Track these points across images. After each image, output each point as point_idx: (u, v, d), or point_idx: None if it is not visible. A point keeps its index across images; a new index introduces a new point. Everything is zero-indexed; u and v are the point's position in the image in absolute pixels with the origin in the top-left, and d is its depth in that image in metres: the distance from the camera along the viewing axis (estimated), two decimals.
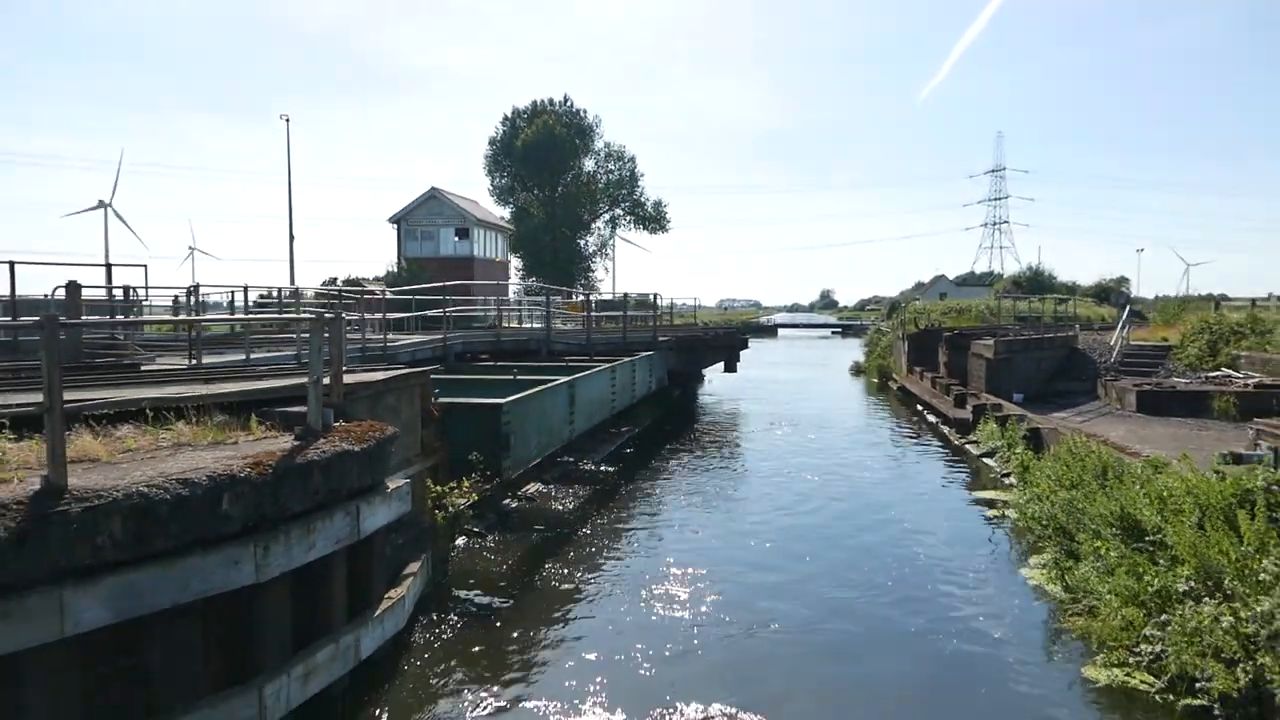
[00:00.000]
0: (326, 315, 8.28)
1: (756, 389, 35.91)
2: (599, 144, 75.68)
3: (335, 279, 47.44)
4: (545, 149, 69.94)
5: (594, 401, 18.77)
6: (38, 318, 5.69)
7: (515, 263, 66.51)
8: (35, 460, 6.37)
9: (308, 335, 15.34)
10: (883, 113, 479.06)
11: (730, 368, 31.94)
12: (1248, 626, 7.00)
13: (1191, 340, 26.47)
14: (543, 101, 74.52)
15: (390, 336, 17.34)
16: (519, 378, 16.55)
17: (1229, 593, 7.59)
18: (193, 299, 16.84)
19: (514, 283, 59.94)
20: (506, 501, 14.79)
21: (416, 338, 19.57)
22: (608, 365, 20.79)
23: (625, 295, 32.15)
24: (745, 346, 33.15)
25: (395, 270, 44.64)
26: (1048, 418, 20.01)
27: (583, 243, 76.81)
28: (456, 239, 46.53)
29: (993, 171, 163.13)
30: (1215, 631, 7.24)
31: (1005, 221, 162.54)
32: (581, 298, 32.25)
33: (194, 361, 11.07)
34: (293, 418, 8.35)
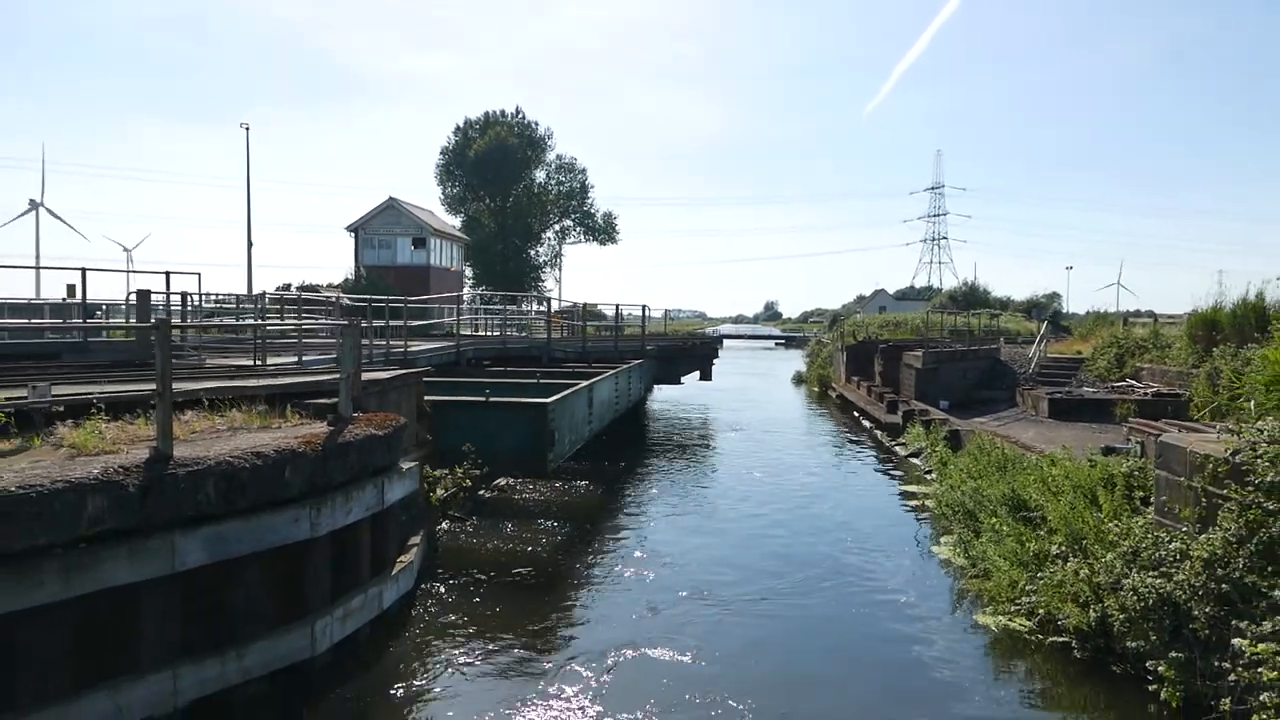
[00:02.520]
0: (356, 323, 9.79)
1: (702, 397, 37.67)
2: (550, 155, 77.21)
3: (289, 285, 48.35)
4: (497, 160, 71.19)
5: (604, 404, 20.24)
6: (154, 322, 7.15)
7: (466, 271, 67.59)
8: (127, 437, 7.80)
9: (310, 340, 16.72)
10: (828, 129, 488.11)
11: (705, 376, 33.48)
12: (1098, 576, 8.85)
13: (1102, 354, 28.86)
14: (495, 113, 75.81)
15: (409, 342, 18.49)
16: (541, 381, 17.89)
17: (1088, 552, 9.47)
18: (258, 304, 18.09)
19: (473, 291, 61.21)
20: (481, 492, 16.29)
21: (433, 344, 20.89)
22: (612, 372, 22.02)
23: (618, 306, 33.53)
24: (717, 356, 34.97)
25: (353, 278, 45.65)
26: (969, 422, 22.03)
27: (533, 252, 78.16)
28: (413, 248, 47.77)
29: (932, 189, 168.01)
30: (1075, 582, 9.10)
31: (944, 238, 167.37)
32: (563, 305, 33.37)
33: (258, 361, 12.43)
34: (319, 408, 9.85)
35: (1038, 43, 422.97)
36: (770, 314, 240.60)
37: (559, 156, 77.21)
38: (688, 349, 33.95)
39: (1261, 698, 6.68)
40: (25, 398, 7.89)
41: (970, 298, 70.90)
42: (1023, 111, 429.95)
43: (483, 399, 14.41)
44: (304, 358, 13.55)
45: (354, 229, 47.84)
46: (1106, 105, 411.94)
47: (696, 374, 33.25)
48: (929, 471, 19.06)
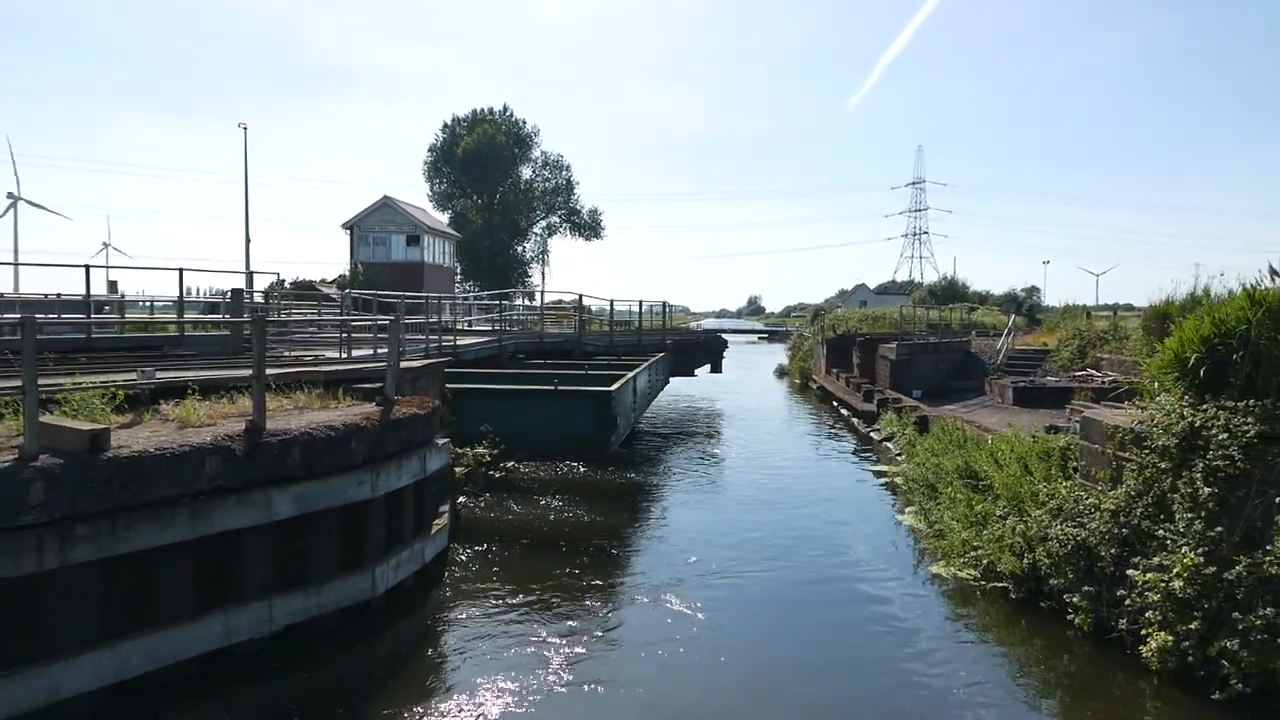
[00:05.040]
0: (398, 320, 11.34)
1: (688, 388, 39.17)
2: (536, 152, 78.58)
3: (282, 281, 49.67)
4: (485, 157, 72.49)
5: (643, 392, 21.86)
6: (252, 318, 8.67)
7: (456, 267, 68.94)
8: (218, 413, 9.33)
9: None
10: (811, 124, 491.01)
11: (716, 368, 35.01)
12: (1031, 530, 10.50)
13: (1066, 345, 30.65)
14: (483, 110, 77.09)
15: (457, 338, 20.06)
16: (589, 372, 19.44)
17: (1024, 512, 11.13)
18: (342, 305, 19.72)
19: (463, 288, 62.53)
20: (491, 471, 17.84)
21: (478, 338, 22.42)
22: (647, 364, 23.40)
23: (640, 303, 34.89)
24: (726, 347, 36.72)
25: (349, 275, 47.03)
26: (939, 409, 23.70)
27: (520, 248, 79.55)
28: (407, 245, 49.23)
29: (913, 184, 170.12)
30: (1012, 536, 10.75)
31: (925, 232, 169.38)
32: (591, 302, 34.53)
33: (344, 354, 13.97)
34: (367, 391, 11.39)
35: (1020, 38, 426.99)
36: (753, 308, 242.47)
37: (545, 153, 78.52)
38: (701, 343, 35.72)
39: (1148, 615, 8.36)
40: (136, 380, 9.40)
41: (950, 292, 72.82)
42: (1004, 106, 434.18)
43: (552, 387, 16.04)
44: (356, 351, 15.02)
45: (350, 226, 49.23)
46: (1088, 101, 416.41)
47: (708, 366, 34.83)
48: (899, 454, 20.74)
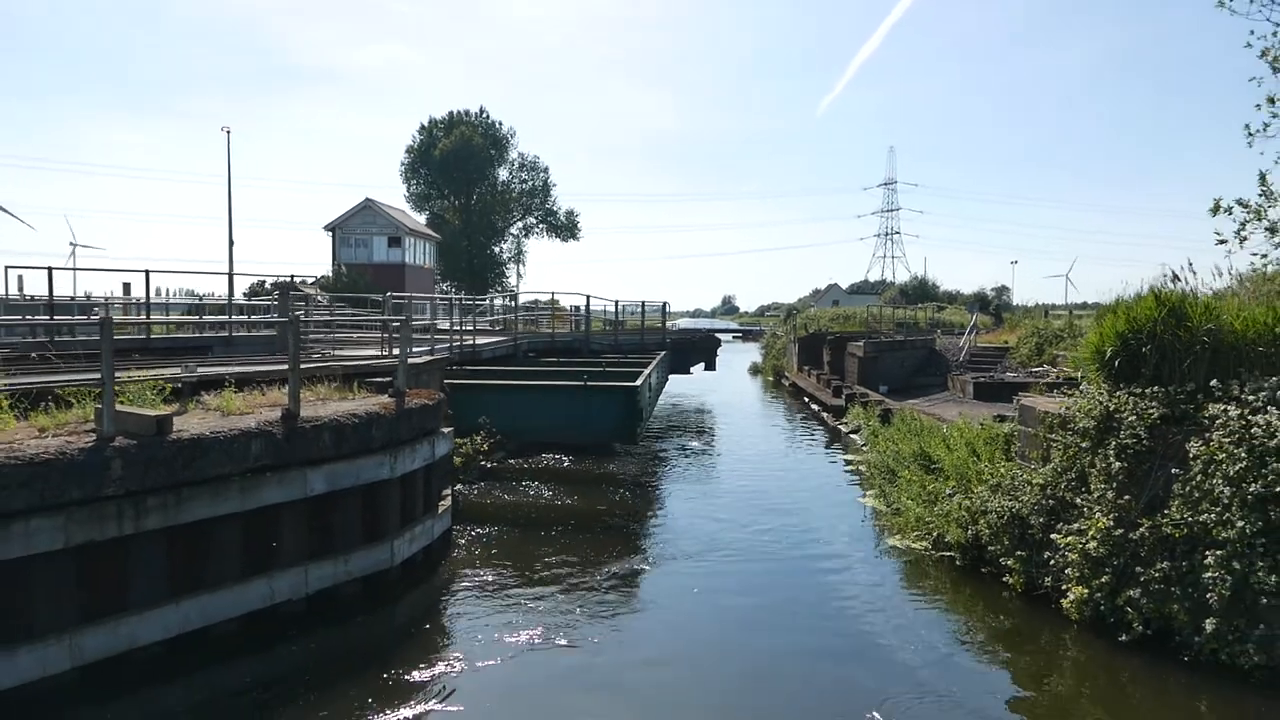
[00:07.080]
0: (407, 320, 12.51)
1: (670, 385, 40.59)
2: (513, 154, 79.58)
3: (263, 282, 50.45)
4: (462, 159, 73.41)
5: (654, 388, 23.15)
6: (288, 319, 9.83)
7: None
8: (253, 403, 10.47)
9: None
10: (786, 124, 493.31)
11: (710, 366, 36.59)
12: (974, 505, 11.84)
13: (1024, 343, 32.22)
14: (460, 112, 77.98)
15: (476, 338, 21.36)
16: (607, 369, 20.70)
17: (970, 489, 12.48)
18: (384, 307, 21.04)
19: (447, 288, 63.38)
20: (484, 463, 19.00)
21: (494, 338, 23.57)
22: (654, 361, 24.60)
23: (643, 304, 36.09)
24: (720, 346, 38.26)
25: (332, 276, 47.89)
26: (903, 404, 25.09)
27: (497, 249, 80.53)
28: (389, 247, 50.18)
29: (885, 184, 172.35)
30: (958, 511, 12.09)
31: (897, 232, 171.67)
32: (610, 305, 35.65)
33: (384, 353, 15.12)
34: (379, 385, 12.55)
35: (992, 40, 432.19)
36: (728, 308, 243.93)
37: (521, 155, 79.51)
38: (696, 343, 37.28)
39: (1067, 572, 9.72)
40: (180, 374, 10.53)
41: (920, 291, 74.61)
42: (977, 108, 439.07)
43: (582, 383, 17.31)
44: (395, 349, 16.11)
45: (332, 228, 50.11)
46: (1060, 103, 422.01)
47: (703, 365, 36.28)
48: (864, 444, 22.12)
